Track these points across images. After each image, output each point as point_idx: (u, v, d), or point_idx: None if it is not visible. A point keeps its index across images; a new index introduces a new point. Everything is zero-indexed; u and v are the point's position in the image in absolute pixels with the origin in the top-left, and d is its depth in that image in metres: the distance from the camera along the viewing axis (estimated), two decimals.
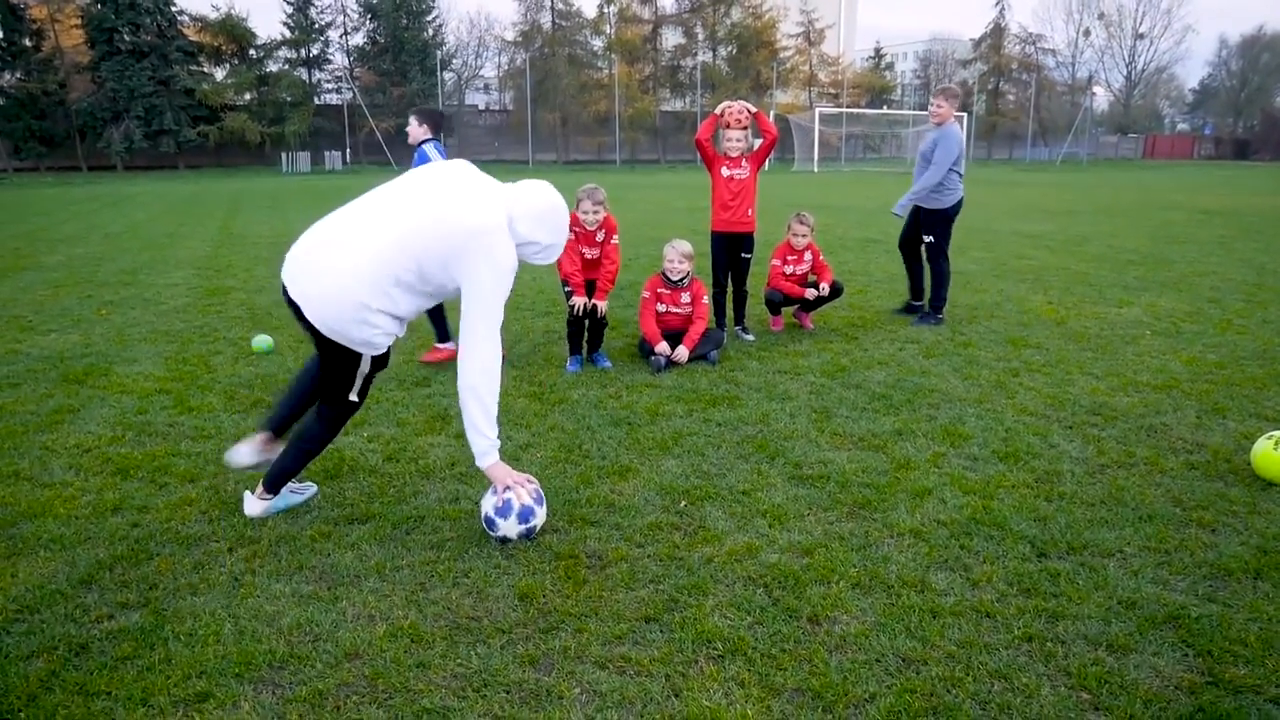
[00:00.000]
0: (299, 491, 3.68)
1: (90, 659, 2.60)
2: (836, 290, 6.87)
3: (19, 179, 37.25)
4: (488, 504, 3.33)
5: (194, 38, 47.90)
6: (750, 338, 6.61)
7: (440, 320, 6.07)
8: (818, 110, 48.15)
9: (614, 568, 3.14)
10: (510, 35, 58.21)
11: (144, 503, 3.69)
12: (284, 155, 46.13)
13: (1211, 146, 70.06)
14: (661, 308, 6.00)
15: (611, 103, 53.49)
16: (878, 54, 70.09)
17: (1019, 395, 5.16)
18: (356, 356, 3.33)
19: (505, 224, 3.25)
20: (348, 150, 50.18)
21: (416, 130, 6.00)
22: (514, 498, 3.28)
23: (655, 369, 5.70)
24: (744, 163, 6.38)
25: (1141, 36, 71.02)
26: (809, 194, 23.45)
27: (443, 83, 51.59)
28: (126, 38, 44.26)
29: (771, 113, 46.85)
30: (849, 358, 6.05)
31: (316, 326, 3.17)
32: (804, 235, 6.80)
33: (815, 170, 42.08)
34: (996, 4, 64.37)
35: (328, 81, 53.66)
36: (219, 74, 50.24)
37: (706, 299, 6.13)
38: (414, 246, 3.15)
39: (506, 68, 59.02)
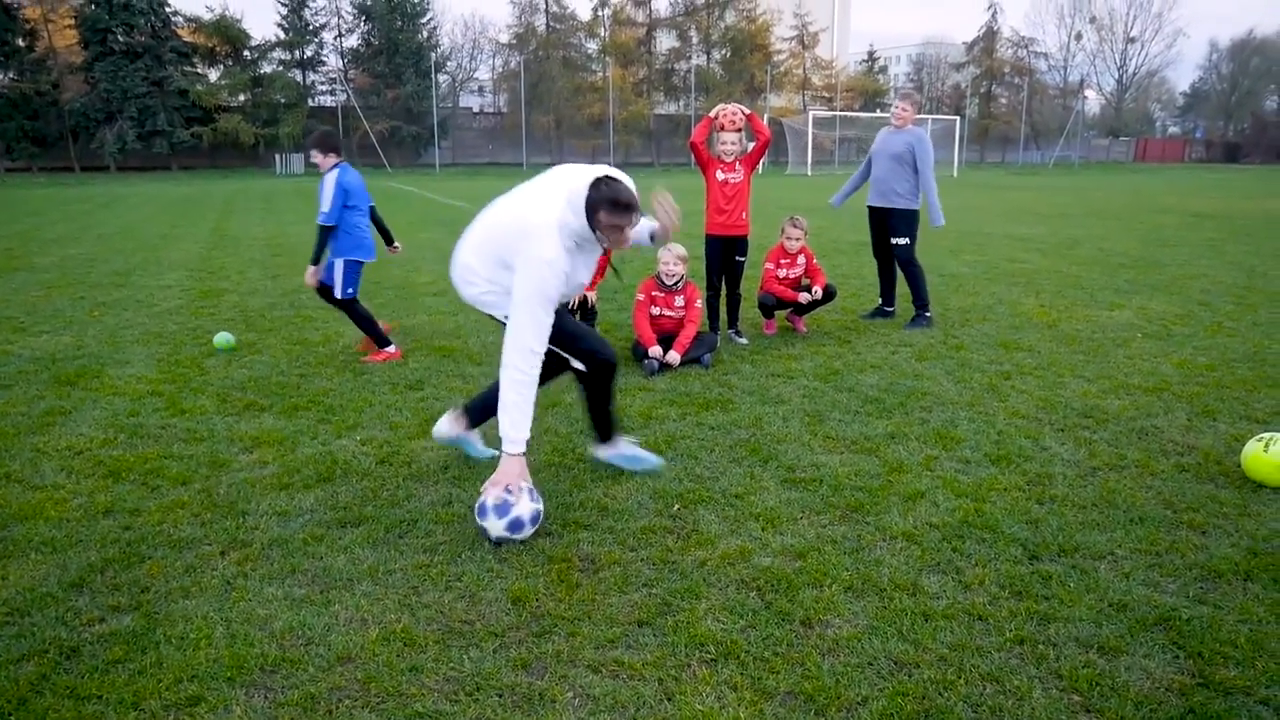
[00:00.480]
0: (476, 445, 4.17)
1: (81, 662, 2.59)
2: (830, 294, 6.89)
3: (11, 179, 37.10)
4: (488, 495, 3.33)
5: (188, 39, 47.77)
6: (743, 341, 6.62)
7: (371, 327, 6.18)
8: (811, 113, 48.22)
9: (607, 571, 3.14)
10: (505, 38, 58.25)
11: (136, 505, 3.68)
12: (278, 157, 46.04)
13: (1202, 150, 70.42)
14: (655, 310, 6.00)
15: (606, 105, 53.52)
16: (871, 57, 70.23)
17: (1011, 398, 5.18)
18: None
19: (555, 221, 3.37)
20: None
21: (322, 160, 6.09)
22: (514, 506, 3.28)
23: (648, 372, 5.70)
24: (738, 166, 6.39)
25: (1133, 40, 71.38)
26: (803, 197, 23.50)
27: (437, 85, 51.53)
28: (120, 38, 44.13)
29: (765, 116, 46.94)
30: (842, 361, 6.06)
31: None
32: (797, 239, 6.82)
33: (809, 174, 42.15)
34: (989, 8, 64.76)
35: (322, 83, 53.57)
36: (213, 75, 50.14)
37: (700, 302, 6.14)
38: (485, 243, 3.62)
39: (501, 70, 58.97)
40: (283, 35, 50.67)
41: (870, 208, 7.42)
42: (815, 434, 4.57)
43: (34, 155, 43.84)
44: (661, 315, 6.00)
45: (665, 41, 60.19)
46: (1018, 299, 8.33)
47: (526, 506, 3.32)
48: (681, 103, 59.43)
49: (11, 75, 43.89)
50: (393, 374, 5.72)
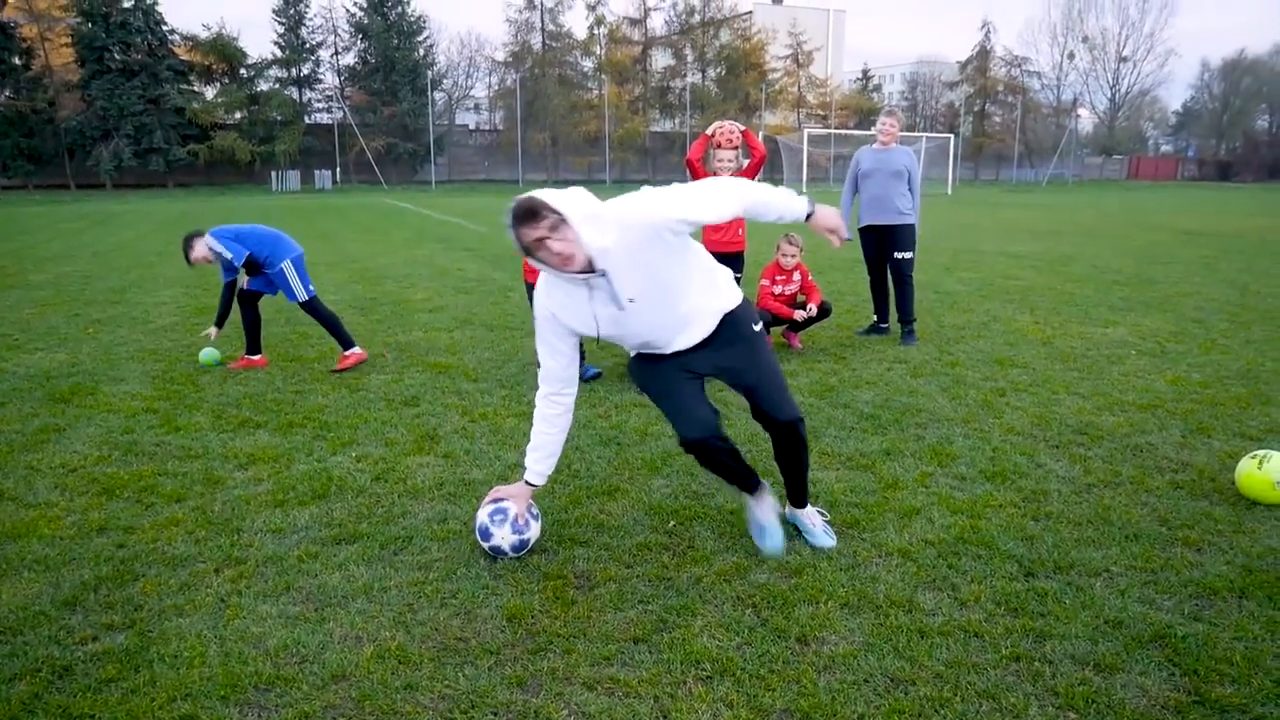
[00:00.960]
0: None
1: (74, 681, 2.58)
2: (825, 310, 6.91)
3: (6, 197, 37.10)
4: (483, 513, 3.34)
5: (184, 57, 48.02)
6: None
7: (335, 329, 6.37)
8: (806, 131, 48.46)
9: (603, 588, 3.13)
10: (501, 56, 58.68)
11: (130, 523, 3.66)
12: (274, 174, 46.17)
13: (1194, 168, 70.93)
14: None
15: (601, 123, 53.81)
16: (865, 76, 70.78)
17: (1006, 415, 5.19)
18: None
19: None
20: (338, 169, 50.25)
21: (203, 254, 6.15)
22: (511, 508, 3.31)
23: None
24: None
25: (1125, 60, 71.95)
26: None
27: (433, 102, 51.76)
28: (117, 56, 44.34)
29: (760, 134, 47.15)
30: (837, 377, 6.07)
31: None
32: (793, 255, 6.84)
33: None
34: (982, 27, 65.56)
35: (318, 101, 53.86)
36: (209, 93, 50.35)
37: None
38: None
39: (497, 88, 59.33)
40: (279, 53, 50.95)
41: (870, 227, 7.38)
42: (810, 450, 4.56)
43: (30, 173, 43.94)
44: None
45: (661, 59, 60.62)
46: (1012, 316, 8.36)
47: (520, 508, 3.33)
48: (677, 120, 59.77)
49: (8, 93, 44.06)
50: (388, 390, 5.71)
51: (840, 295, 9.39)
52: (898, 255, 7.29)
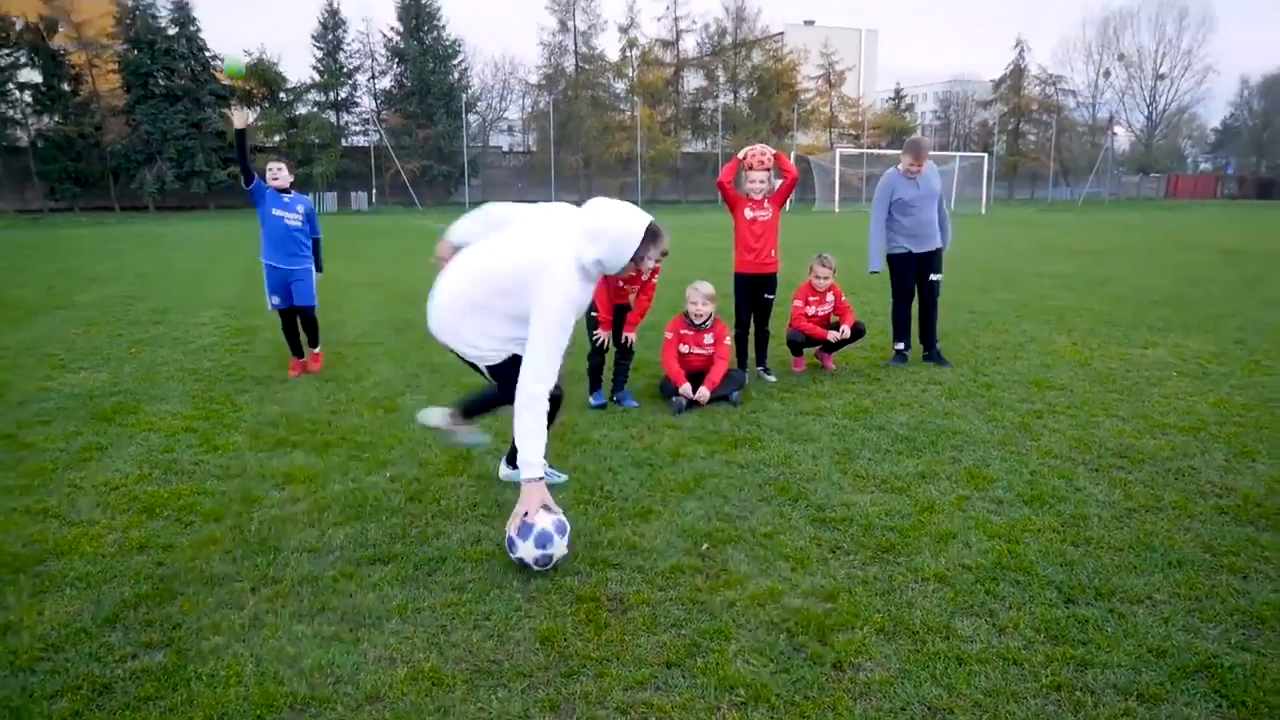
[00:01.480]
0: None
1: (113, 699, 2.61)
2: (858, 331, 6.87)
3: (54, 219, 38.03)
4: (511, 525, 3.40)
5: (226, 81, 48.99)
6: (772, 379, 6.61)
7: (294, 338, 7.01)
8: (838, 151, 48.40)
9: (636, 611, 3.12)
10: (534, 78, 59.15)
11: (169, 541, 3.72)
12: (311, 196, 46.84)
13: (1234, 186, 69.66)
14: (684, 349, 6.01)
15: (633, 144, 54.06)
16: (898, 95, 70.51)
17: (1043, 437, 5.11)
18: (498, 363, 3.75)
19: (568, 258, 3.49)
20: (374, 191, 50.91)
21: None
22: (535, 522, 3.34)
23: (676, 410, 5.70)
24: (766, 204, 6.42)
25: (1162, 77, 71.04)
26: (831, 235, 23.51)
27: (467, 125, 52.34)
28: (161, 82, 45.37)
29: (792, 154, 47.12)
30: (871, 399, 6.02)
31: (441, 341, 3.81)
32: (826, 277, 6.82)
33: (836, 211, 42.19)
34: (1016, 46, 64.75)
35: (355, 124, 54.63)
36: (250, 116, 51.28)
37: (728, 340, 6.14)
38: (490, 282, 3.61)
39: (530, 110, 59.84)
40: (318, 77, 51.83)
41: (917, 254, 7.07)
42: (845, 473, 4.54)
43: (76, 195, 45.01)
44: (690, 353, 6.01)
45: (693, 81, 60.84)
46: (1049, 337, 8.25)
47: (546, 518, 3.37)
48: (709, 141, 59.92)
49: (57, 119, 45.22)
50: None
51: (874, 316, 9.32)
52: (933, 277, 7.19)
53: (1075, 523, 3.87)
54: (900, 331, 7.28)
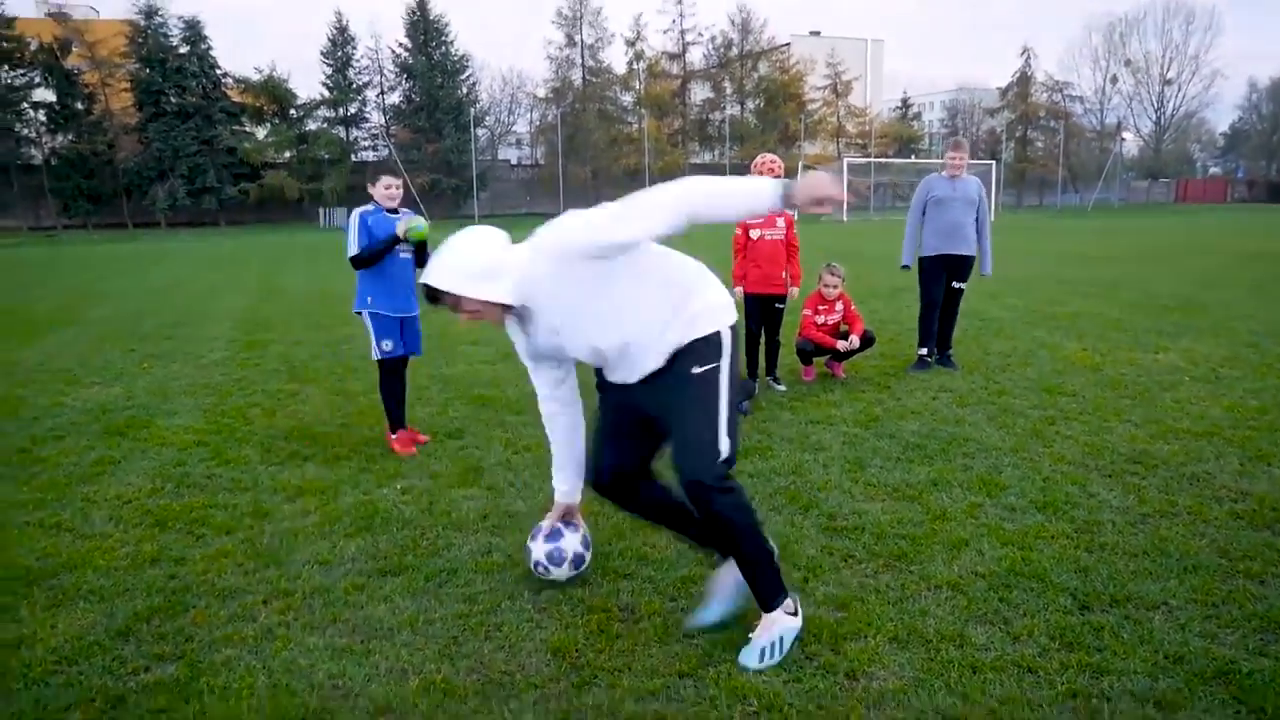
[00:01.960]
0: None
1: (126, 711, 2.61)
2: (868, 340, 6.85)
3: (68, 236, 38.37)
4: (540, 551, 3.34)
5: (237, 99, 49.48)
6: (782, 388, 6.59)
7: None
8: (846, 160, 48.39)
9: (647, 621, 3.11)
10: (542, 92, 59.51)
11: (181, 554, 3.73)
12: (322, 211, 47.18)
13: (1245, 190, 69.35)
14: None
15: (641, 156, 54.23)
16: (905, 104, 70.58)
17: (1056, 444, 5.09)
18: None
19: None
20: None
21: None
22: (565, 546, 3.32)
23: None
24: (778, 222, 6.32)
25: (1169, 82, 70.91)
26: (839, 243, 23.50)
27: (476, 139, 52.62)
28: (173, 100, 45.87)
29: (800, 164, 47.18)
30: (882, 407, 6.01)
31: None
32: (835, 285, 6.81)
33: (845, 220, 42.18)
34: (1022, 53, 64.79)
35: (364, 139, 55.05)
36: (260, 133, 51.72)
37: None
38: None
39: (538, 123, 60.25)
40: (327, 94, 52.27)
41: (943, 256, 7.14)
42: (856, 481, 4.52)
43: (89, 212, 45.49)
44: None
45: (700, 93, 61.07)
46: (1060, 343, 8.22)
47: (575, 540, 3.35)
48: (716, 152, 60.06)
49: (71, 137, 45.72)
50: (432, 423, 5.76)
51: (883, 324, 9.30)
52: (957, 285, 7.22)
53: (1089, 529, 3.84)
54: (924, 337, 7.31)
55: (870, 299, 11.16)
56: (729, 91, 60.20)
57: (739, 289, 6.48)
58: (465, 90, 55.09)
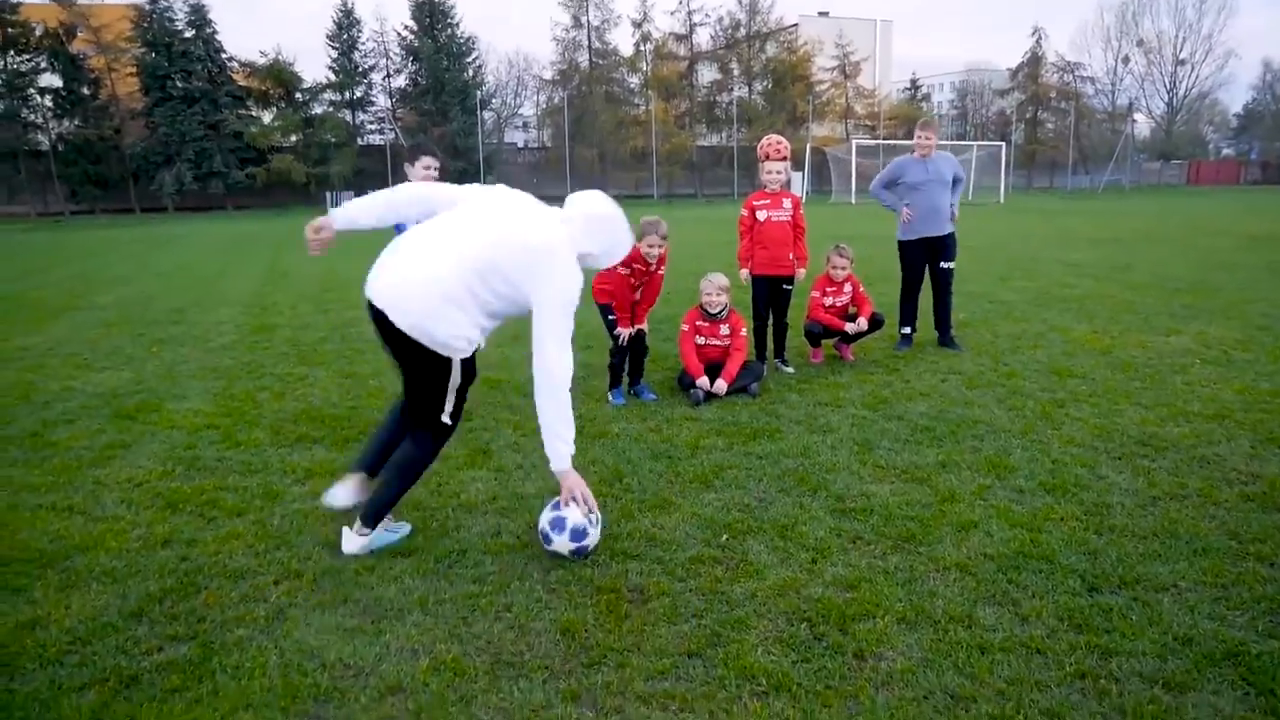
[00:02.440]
0: (394, 530, 3.70)
1: (140, 691, 2.64)
2: (877, 322, 6.83)
3: (75, 221, 38.46)
4: (545, 518, 3.44)
5: (243, 83, 49.30)
6: (790, 370, 6.58)
7: None
8: (855, 142, 48.11)
9: (656, 602, 3.12)
10: (548, 74, 59.16)
11: (192, 536, 3.75)
12: (328, 195, 47.06)
13: (1258, 171, 68.74)
14: (700, 340, 6.00)
15: (648, 138, 53.99)
16: (914, 85, 70.05)
17: (1065, 426, 5.07)
18: (444, 366, 3.42)
19: (566, 242, 3.42)
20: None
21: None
22: (568, 516, 3.37)
23: (694, 402, 5.69)
24: (785, 203, 6.33)
25: (1182, 63, 70.12)
26: (848, 226, 23.39)
27: (482, 122, 52.45)
28: (179, 84, 45.72)
29: (808, 145, 46.98)
30: (890, 389, 6.00)
31: (401, 328, 3.30)
32: (843, 267, 6.79)
33: (853, 202, 41.97)
34: (1033, 33, 64.08)
35: (370, 122, 54.83)
36: (266, 117, 51.58)
37: (745, 331, 6.12)
38: (482, 263, 3.32)
39: (545, 106, 59.90)
40: (333, 77, 52.03)
41: (924, 239, 7.22)
42: (865, 463, 4.52)
43: (96, 198, 45.49)
44: (707, 344, 6.00)
45: (707, 74, 60.63)
46: (1070, 325, 8.18)
47: (577, 512, 3.40)
48: (724, 134, 59.72)
49: (77, 122, 45.69)
50: None
51: (891, 307, 9.24)
52: (944, 265, 7.21)
53: (1098, 511, 3.83)
54: (906, 316, 7.41)
55: (879, 281, 11.10)
56: (736, 73, 59.75)
57: (746, 271, 6.47)
58: (471, 73, 54.80)
